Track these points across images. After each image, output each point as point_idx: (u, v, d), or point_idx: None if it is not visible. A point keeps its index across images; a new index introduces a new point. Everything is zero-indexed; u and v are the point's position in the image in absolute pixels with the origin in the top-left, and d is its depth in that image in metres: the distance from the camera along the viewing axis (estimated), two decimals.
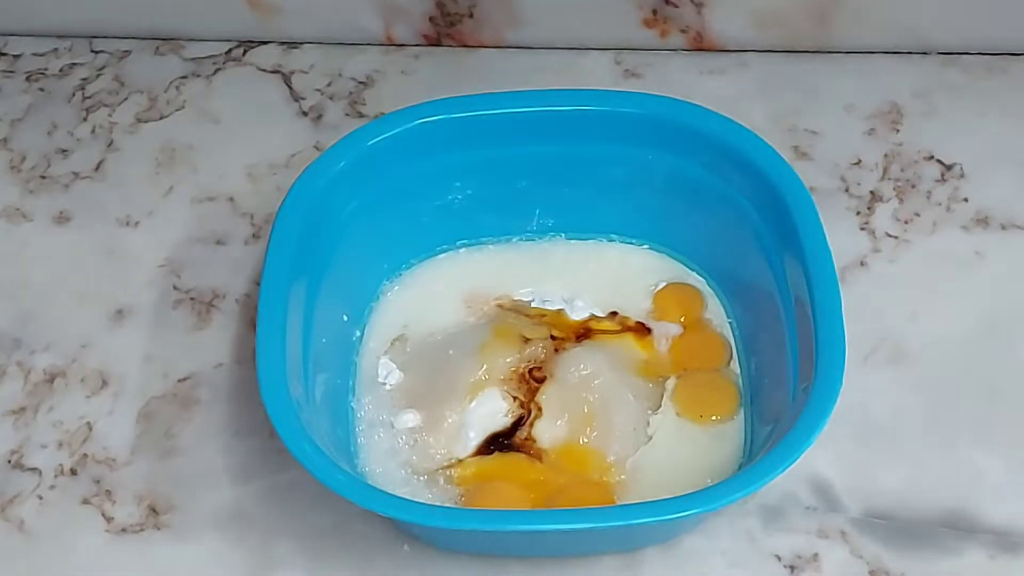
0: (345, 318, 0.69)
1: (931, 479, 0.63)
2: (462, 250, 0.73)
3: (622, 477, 0.63)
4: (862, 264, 0.73)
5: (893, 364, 0.68)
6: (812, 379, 0.56)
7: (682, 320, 0.69)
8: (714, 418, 0.65)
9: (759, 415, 0.64)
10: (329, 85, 0.84)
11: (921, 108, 0.78)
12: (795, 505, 0.63)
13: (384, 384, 0.67)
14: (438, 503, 0.62)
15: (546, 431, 0.64)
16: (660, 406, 0.65)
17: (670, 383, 0.67)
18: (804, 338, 0.59)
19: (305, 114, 0.82)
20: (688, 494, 0.56)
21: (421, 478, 0.63)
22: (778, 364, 0.62)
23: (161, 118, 0.83)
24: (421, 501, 0.59)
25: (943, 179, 0.75)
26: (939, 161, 0.76)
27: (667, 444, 0.64)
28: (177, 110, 0.83)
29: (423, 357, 0.68)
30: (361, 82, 0.84)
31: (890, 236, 0.74)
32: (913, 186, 0.75)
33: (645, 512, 0.55)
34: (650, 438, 0.65)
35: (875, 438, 0.65)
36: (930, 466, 0.63)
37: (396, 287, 0.72)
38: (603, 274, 0.71)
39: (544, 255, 0.72)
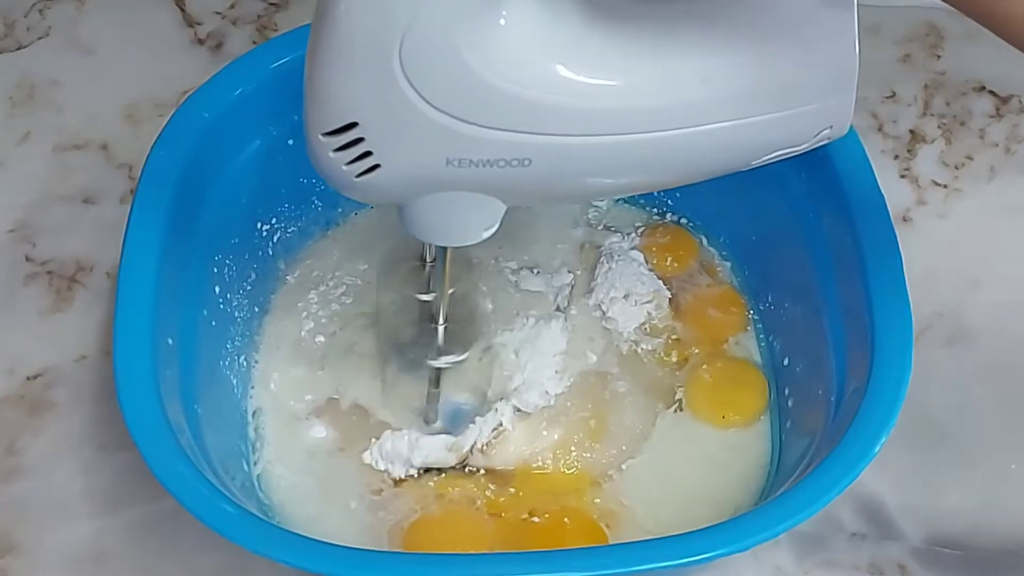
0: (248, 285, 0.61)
1: (1010, 494, 0.58)
2: None
3: (624, 502, 0.56)
4: (905, 220, 0.67)
5: (952, 345, 0.62)
6: (867, 378, 0.49)
7: (672, 264, 0.64)
8: (736, 418, 0.59)
9: (791, 415, 0.58)
10: (232, 7, 0.77)
11: (965, 30, 0.72)
12: (838, 532, 0.57)
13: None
14: (369, 536, 0.55)
15: (521, 441, 0.58)
16: (674, 402, 0.59)
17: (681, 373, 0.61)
18: (852, 319, 0.52)
19: (201, 42, 0.76)
20: (705, 529, 0.48)
21: (346, 501, 0.57)
22: (814, 349, 0.55)
23: (19, 48, 0.76)
24: (336, 543, 0.49)
25: (998, 114, 0.70)
26: (991, 92, 0.71)
27: (675, 451, 0.58)
28: (40, 38, 0.76)
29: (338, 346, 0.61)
30: (272, 3, 0.78)
31: (938, 185, 0.68)
32: (962, 123, 0.70)
33: (646, 554, 0.47)
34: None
35: (935, 442, 0.59)
36: (1007, 476, 0.58)
37: (311, 252, 0.65)
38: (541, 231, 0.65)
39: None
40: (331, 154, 0.43)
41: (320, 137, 0.43)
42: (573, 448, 0.57)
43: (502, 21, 0.40)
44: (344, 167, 0.43)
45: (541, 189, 0.45)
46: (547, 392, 0.59)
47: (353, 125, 0.42)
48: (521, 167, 0.43)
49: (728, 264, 0.64)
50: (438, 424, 0.58)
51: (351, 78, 0.40)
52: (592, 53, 0.41)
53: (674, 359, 0.60)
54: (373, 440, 0.57)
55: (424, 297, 0.58)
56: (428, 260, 0.57)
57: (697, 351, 0.61)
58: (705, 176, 0.47)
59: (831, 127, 0.45)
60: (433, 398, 0.58)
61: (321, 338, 0.61)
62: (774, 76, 0.43)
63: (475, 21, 0.39)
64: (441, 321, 0.55)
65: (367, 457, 0.57)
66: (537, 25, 0.40)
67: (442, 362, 0.56)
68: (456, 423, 0.58)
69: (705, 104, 0.43)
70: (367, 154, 0.43)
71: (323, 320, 0.61)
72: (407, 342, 0.59)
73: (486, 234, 0.48)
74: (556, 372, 0.59)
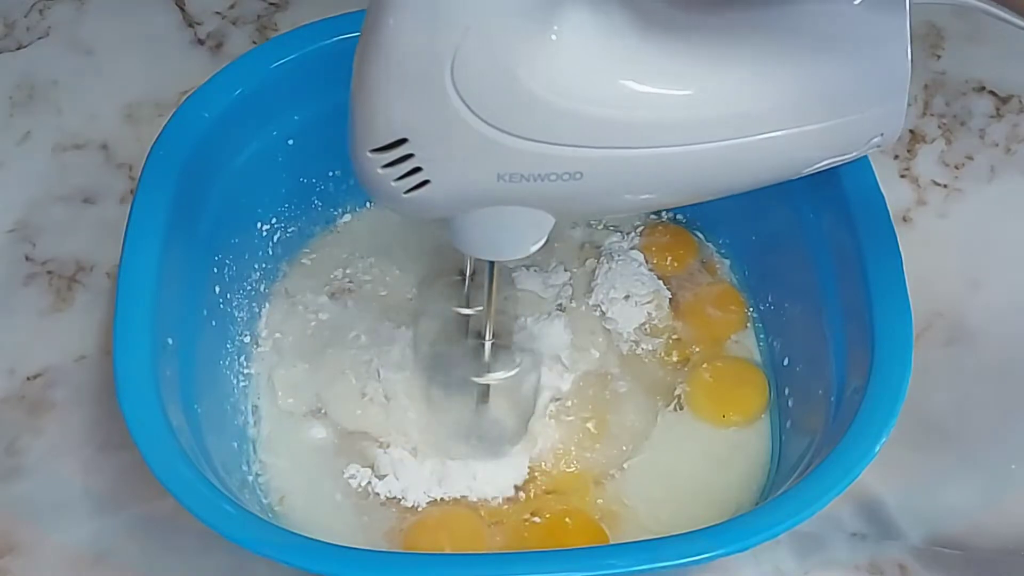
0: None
1: (1010, 494, 0.57)
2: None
3: (626, 502, 0.56)
4: (905, 220, 0.66)
5: (952, 345, 0.61)
6: (867, 379, 0.49)
7: (672, 263, 0.64)
8: (736, 417, 0.58)
9: (791, 415, 0.57)
10: (232, 7, 0.77)
11: (965, 29, 0.72)
12: (838, 532, 0.56)
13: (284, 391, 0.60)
14: (369, 536, 0.55)
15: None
16: (675, 401, 0.59)
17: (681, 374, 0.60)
18: (852, 319, 0.52)
19: (201, 42, 0.75)
20: (705, 529, 0.47)
21: (345, 501, 0.56)
22: (814, 349, 0.55)
23: (19, 48, 0.75)
24: (336, 543, 0.48)
25: (998, 114, 0.69)
26: (992, 92, 0.70)
27: (676, 450, 0.58)
28: (40, 38, 0.75)
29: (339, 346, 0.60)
30: (272, 3, 0.77)
31: (938, 185, 0.68)
32: (962, 123, 0.69)
33: (646, 554, 0.46)
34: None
35: (935, 442, 0.59)
36: (1007, 476, 0.57)
37: (311, 252, 0.64)
38: None
39: None
40: (379, 170, 0.42)
41: (368, 154, 0.42)
42: (574, 448, 0.57)
43: (553, 36, 0.39)
44: (392, 183, 0.42)
45: (592, 202, 0.45)
46: (560, 388, 0.58)
47: (402, 141, 0.41)
48: (573, 180, 0.42)
49: (727, 262, 0.63)
50: (487, 442, 0.56)
51: (401, 95, 0.40)
52: (644, 65, 0.41)
53: (675, 358, 0.60)
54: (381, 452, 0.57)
55: (465, 311, 0.56)
56: (468, 274, 0.55)
57: (698, 350, 0.60)
58: (756, 186, 0.46)
59: (882, 134, 0.44)
60: (483, 416, 0.56)
61: (322, 338, 0.60)
62: (828, 84, 0.42)
63: (527, 37, 0.38)
64: (488, 337, 0.54)
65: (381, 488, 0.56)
66: (589, 39, 0.40)
67: (491, 379, 0.55)
68: (502, 440, 0.57)
69: (758, 114, 0.42)
70: (416, 170, 0.42)
71: (324, 320, 0.61)
72: (450, 361, 0.57)
73: (534, 248, 0.47)
74: (563, 365, 0.59)
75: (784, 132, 0.43)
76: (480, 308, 0.54)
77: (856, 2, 0.42)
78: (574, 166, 0.42)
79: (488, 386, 0.55)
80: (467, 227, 0.45)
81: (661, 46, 0.41)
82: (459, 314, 0.57)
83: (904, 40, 0.42)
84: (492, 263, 0.50)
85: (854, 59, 0.42)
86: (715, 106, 0.42)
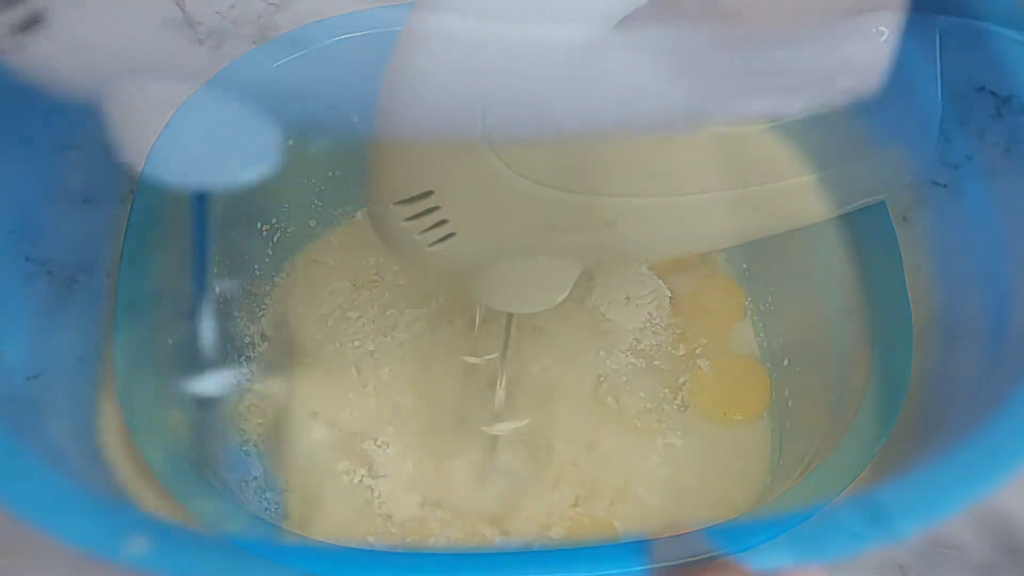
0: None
1: (1010, 494, 0.55)
2: None
3: (626, 501, 0.55)
4: (905, 220, 0.63)
5: (952, 345, 0.59)
6: (867, 379, 0.49)
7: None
8: (738, 416, 0.57)
9: (791, 415, 0.57)
10: (232, 7, 0.75)
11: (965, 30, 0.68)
12: (838, 532, 0.52)
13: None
14: (368, 536, 0.55)
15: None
16: (677, 399, 0.58)
17: (684, 376, 0.59)
18: (852, 319, 0.52)
19: (201, 42, 0.73)
20: (705, 529, 0.47)
21: (346, 498, 0.56)
22: (814, 349, 0.55)
23: (19, 48, 0.71)
24: (336, 544, 0.47)
25: (998, 114, 0.66)
26: (992, 92, 0.67)
27: (677, 449, 0.57)
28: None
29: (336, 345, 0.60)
30: (272, 3, 0.75)
31: (938, 185, 0.66)
32: (962, 123, 0.66)
33: (645, 554, 0.46)
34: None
35: (935, 442, 0.55)
36: (1007, 476, 0.53)
37: (312, 252, 0.64)
38: None
39: None
40: (402, 223, 0.40)
41: (391, 206, 0.40)
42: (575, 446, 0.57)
43: (591, 84, 0.37)
44: (416, 236, 0.40)
45: (623, 249, 0.43)
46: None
47: (428, 194, 0.39)
48: (607, 228, 0.40)
49: (723, 256, 0.63)
50: (493, 490, 0.55)
51: (429, 146, 0.38)
52: (675, 109, 0.39)
53: (680, 352, 0.59)
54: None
55: (473, 360, 0.54)
56: (478, 322, 0.54)
57: (704, 342, 0.60)
58: (784, 229, 0.45)
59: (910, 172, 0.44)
60: (490, 466, 0.55)
61: (323, 337, 0.60)
62: (855, 125, 0.41)
63: (565, 85, 0.36)
64: (500, 386, 0.52)
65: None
66: (624, 87, 0.38)
67: (500, 428, 0.53)
68: (512, 490, 0.55)
69: (783, 159, 0.41)
70: (442, 223, 0.40)
71: (323, 321, 0.61)
72: (458, 409, 0.56)
73: (560, 298, 0.44)
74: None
75: (810, 177, 0.41)
76: (491, 356, 0.52)
77: (882, 40, 0.40)
78: (607, 215, 0.40)
79: (497, 436, 0.54)
80: (491, 279, 0.43)
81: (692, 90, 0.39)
82: (467, 362, 0.55)
83: (934, 79, 0.41)
84: (511, 313, 0.48)
85: (883, 100, 0.41)
86: (745, 151, 0.40)
